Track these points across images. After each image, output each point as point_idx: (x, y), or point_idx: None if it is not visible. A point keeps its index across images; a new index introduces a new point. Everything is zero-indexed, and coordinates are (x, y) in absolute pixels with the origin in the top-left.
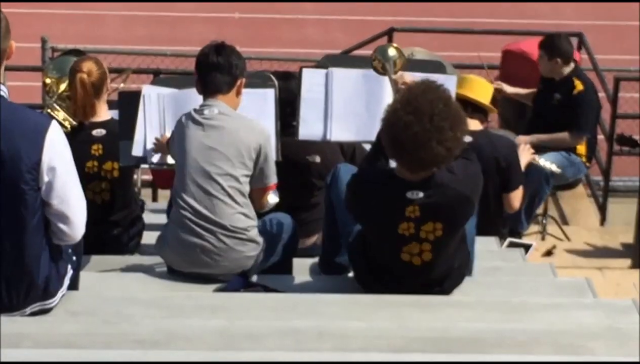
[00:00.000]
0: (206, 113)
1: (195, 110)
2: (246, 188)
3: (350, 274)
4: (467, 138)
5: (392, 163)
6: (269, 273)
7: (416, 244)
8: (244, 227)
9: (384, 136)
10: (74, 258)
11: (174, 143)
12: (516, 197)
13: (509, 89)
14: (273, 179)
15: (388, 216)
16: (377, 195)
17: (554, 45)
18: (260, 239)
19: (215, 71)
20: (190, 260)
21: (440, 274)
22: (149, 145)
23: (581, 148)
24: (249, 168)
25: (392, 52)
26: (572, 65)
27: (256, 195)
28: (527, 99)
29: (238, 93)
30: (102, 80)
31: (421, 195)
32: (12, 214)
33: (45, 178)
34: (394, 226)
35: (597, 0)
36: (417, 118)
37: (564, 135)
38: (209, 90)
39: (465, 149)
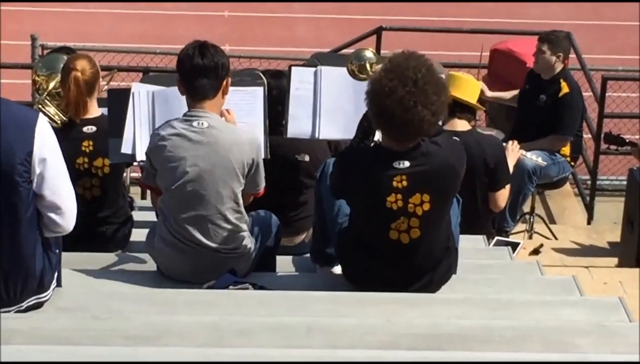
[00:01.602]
0: (195, 125)
1: (181, 120)
2: (239, 200)
3: (339, 271)
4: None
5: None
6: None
7: (404, 219)
8: (237, 245)
9: (370, 106)
10: (57, 251)
11: (158, 156)
12: (502, 196)
13: (489, 93)
14: (263, 183)
15: (376, 188)
16: (365, 167)
17: (558, 38)
18: (251, 245)
19: (202, 77)
20: (180, 272)
21: (428, 258)
22: (139, 143)
23: (565, 149)
24: (242, 183)
25: (368, 54)
26: (561, 65)
27: (245, 197)
28: (511, 102)
29: (224, 93)
30: (95, 78)
31: (407, 164)
32: (7, 207)
33: (37, 170)
34: (381, 199)
35: (585, 0)
36: (401, 83)
37: (550, 139)
38: (196, 97)
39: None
